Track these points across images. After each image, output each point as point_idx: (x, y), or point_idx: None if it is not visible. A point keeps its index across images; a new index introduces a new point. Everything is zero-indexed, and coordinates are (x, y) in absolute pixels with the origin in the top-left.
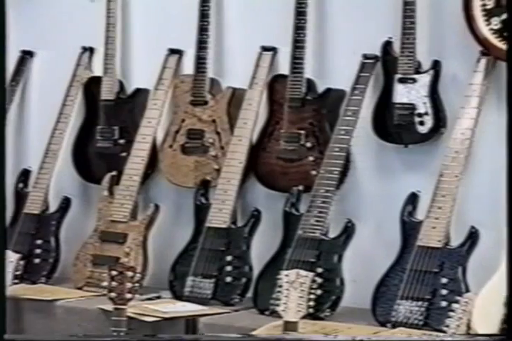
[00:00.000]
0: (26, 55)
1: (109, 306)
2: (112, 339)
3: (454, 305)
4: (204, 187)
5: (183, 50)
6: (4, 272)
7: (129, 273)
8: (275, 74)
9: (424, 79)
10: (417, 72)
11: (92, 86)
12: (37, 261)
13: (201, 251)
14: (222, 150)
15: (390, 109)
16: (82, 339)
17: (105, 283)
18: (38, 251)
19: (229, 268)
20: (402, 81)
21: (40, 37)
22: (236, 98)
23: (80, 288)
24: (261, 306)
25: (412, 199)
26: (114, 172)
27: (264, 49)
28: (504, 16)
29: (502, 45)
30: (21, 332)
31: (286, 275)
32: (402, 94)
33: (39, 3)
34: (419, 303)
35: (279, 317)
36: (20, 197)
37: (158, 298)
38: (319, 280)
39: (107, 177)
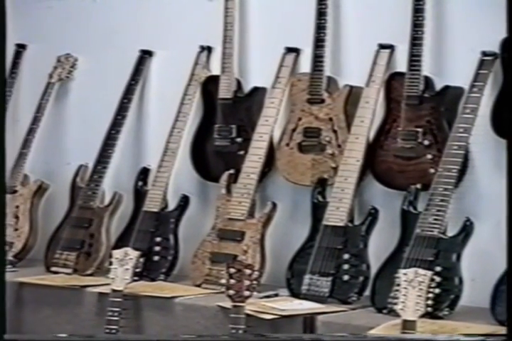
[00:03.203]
0: (145, 55)
1: (228, 303)
2: (231, 339)
3: None
4: (321, 185)
5: (301, 48)
6: (4, 272)
7: (247, 271)
8: (392, 72)
9: None
10: None
11: (210, 85)
12: (156, 258)
13: (318, 249)
14: (339, 148)
15: (509, 106)
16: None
17: (223, 281)
18: (157, 248)
19: (346, 266)
20: None
21: (158, 36)
22: (353, 96)
23: (198, 286)
24: (379, 305)
25: None
26: (231, 171)
27: (382, 47)
28: None
29: None
30: (140, 329)
31: (405, 274)
32: None
33: (158, 3)
34: None
35: (397, 316)
36: (140, 195)
37: (276, 295)
38: (438, 279)
39: (224, 176)
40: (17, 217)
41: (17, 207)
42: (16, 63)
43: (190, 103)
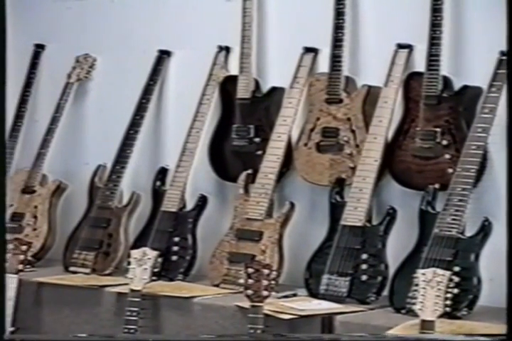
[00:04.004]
0: (164, 55)
1: (246, 303)
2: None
3: None
4: (339, 185)
5: (319, 48)
6: (4, 273)
7: (266, 271)
8: (411, 72)
9: None
10: None
11: (228, 85)
12: (174, 258)
13: (336, 249)
14: (357, 148)
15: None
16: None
17: (242, 281)
18: (175, 248)
19: (364, 266)
20: None
21: (177, 36)
22: (371, 96)
23: (216, 285)
24: (397, 305)
25: None
26: (249, 171)
27: (400, 46)
28: None
29: None
30: (159, 328)
31: (423, 274)
32: None
33: (176, 4)
34: None
35: (416, 315)
36: (158, 195)
37: (294, 295)
38: (456, 279)
39: (242, 176)
40: (35, 217)
41: (35, 207)
42: (34, 63)
43: (208, 103)
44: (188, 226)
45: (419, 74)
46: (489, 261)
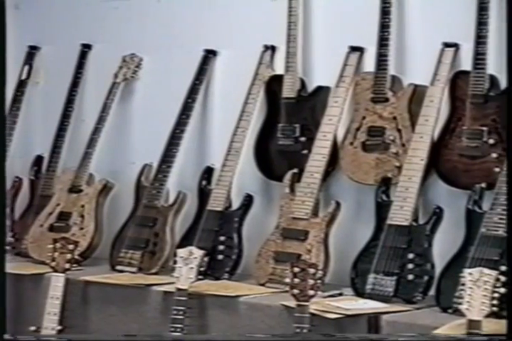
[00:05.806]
0: (209, 54)
1: (292, 303)
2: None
3: None
4: (385, 184)
5: (364, 47)
6: (5, 273)
7: (311, 270)
8: (457, 71)
9: None
10: None
11: (274, 84)
12: (220, 257)
13: (382, 248)
14: (403, 147)
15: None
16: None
17: (288, 280)
18: (221, 247)
19: (411, 265)
20: None
21: (222, 36)
22: (417, 95)
23: (262, 285)
24: (444, 304)
25: None
26: (295, 170)
27: (446, 45)
28: None
29: None
30: (205, 327)
31: (470, 274)
32: None
33: (221, 3)
34: None
35: (462, 315)
36: (204, 194)
37: (340, 295)
38: (503, 278)
39: (288, 175)
40: (82, 216)
41: (82, 206)
42: (81, 63)
43: (254, 102)
44: (233, 226)
45: (466, 73)
46: None
